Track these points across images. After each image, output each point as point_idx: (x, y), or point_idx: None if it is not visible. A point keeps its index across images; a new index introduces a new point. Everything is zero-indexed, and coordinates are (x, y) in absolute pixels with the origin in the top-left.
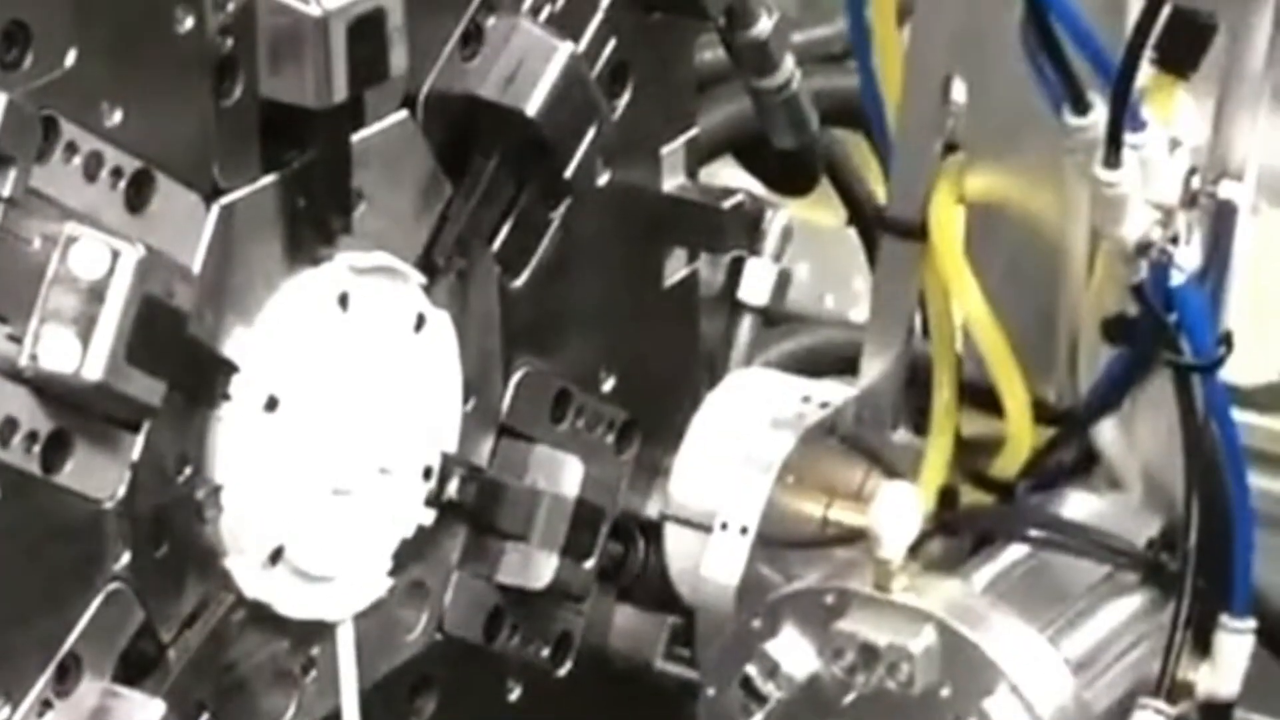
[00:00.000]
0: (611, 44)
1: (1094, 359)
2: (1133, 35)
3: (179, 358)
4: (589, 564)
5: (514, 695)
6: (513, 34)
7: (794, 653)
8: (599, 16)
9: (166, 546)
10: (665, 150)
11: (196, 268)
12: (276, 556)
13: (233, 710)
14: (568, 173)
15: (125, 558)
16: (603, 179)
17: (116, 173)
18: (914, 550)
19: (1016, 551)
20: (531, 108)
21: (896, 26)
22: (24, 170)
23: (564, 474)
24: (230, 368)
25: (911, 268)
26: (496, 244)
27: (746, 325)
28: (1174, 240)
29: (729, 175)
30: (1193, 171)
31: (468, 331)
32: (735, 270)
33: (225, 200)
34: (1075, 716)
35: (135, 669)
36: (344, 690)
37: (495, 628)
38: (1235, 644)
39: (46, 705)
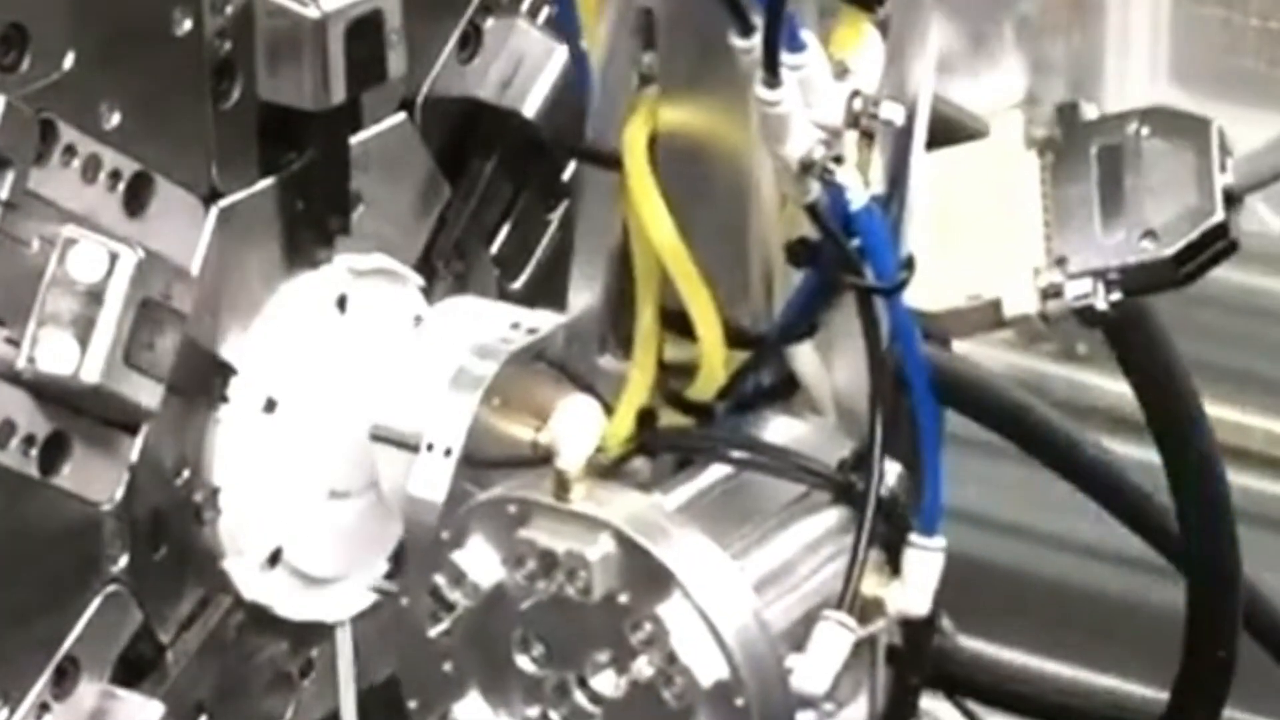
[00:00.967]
0: None
1: (787, 283)
2: None
3: (177, 360)
4: None
5: None
6: (510, 35)
7: (480, 562)
8: None
9: (165, 548)
10: None
11: (195, 270)
12: (275, 558)
13: (231, 712)
14: (565, 175)
15: (123, 560)
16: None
17: (115, 175)
18: (617, 471)
19: (716, 472)
20: (529, 109)
21: None
22: (22, 173)
23: None
24: (228, 370)
25: (611, 197)
26: (495, 246)
27: None
28: (837, 159)
29: None
30: (855, 94)
31: None
32: None
33: (224, 203)
34: (754, 625)
35: (134, 671)
36: (343, 691)
37: None
38: (923, 560)
39: (45, 707)
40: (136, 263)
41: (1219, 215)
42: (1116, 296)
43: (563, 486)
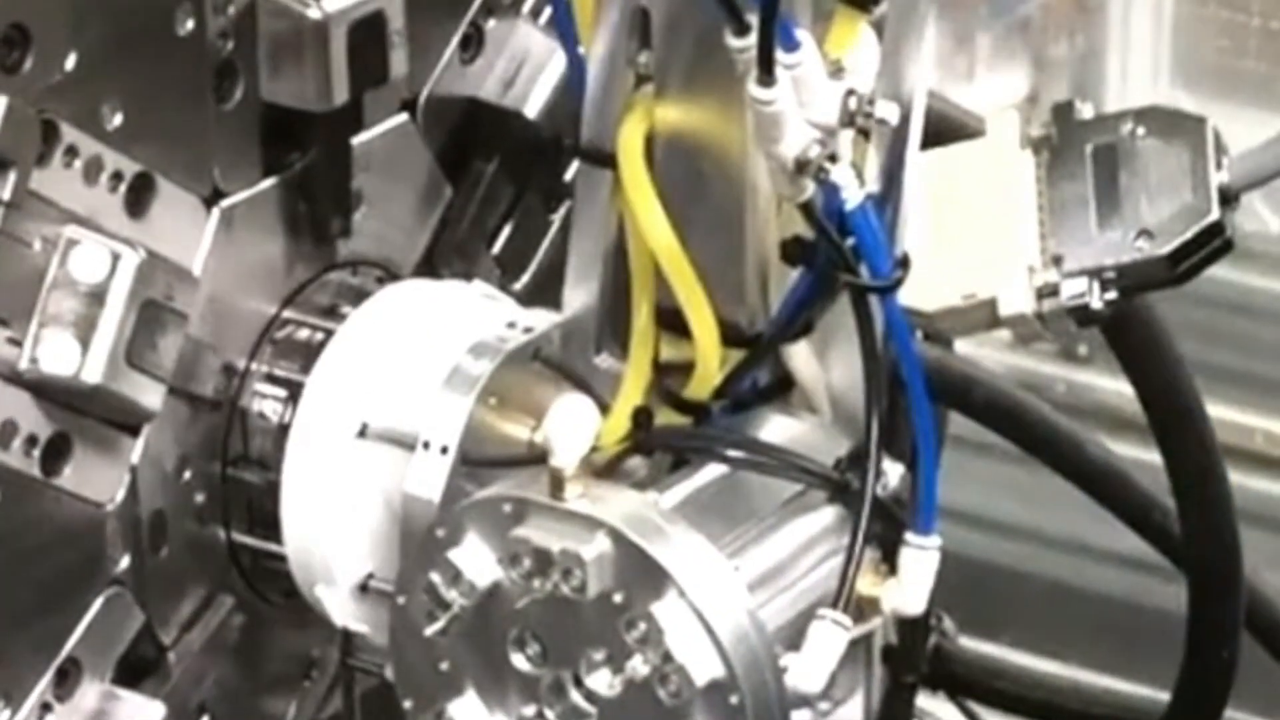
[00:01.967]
0: None
1: (783, 283)
2: None
3: (179, 360)
4: None
5: None
6: (513, 36)
7: (476, 560)
8: None
9: (166, 550)
10: None
11: (197, 271)
12: (365, 585)
13: (233, 713)
14: (567, 176)
15: (125, 561)
16: None
17: (117, 176)
18: (613, 470)
19: (711, 471)
20: (531, 110)
21: None
22: (24, 174)
23: None
24: (232, 369)
25: (608, 195)
26: (496, 247)
27: None
28: (832, 158)
29: None
30: (850, 92)
31: None
32: None
33: (226, 203)
34: (749, 624)
35: (135, 672)
36: None
37: None
38: (919, 559)
39: (46, 708)
40: (138, 263)
41: (1214, 214)
42: (1112, 295)
43: (558, 485)
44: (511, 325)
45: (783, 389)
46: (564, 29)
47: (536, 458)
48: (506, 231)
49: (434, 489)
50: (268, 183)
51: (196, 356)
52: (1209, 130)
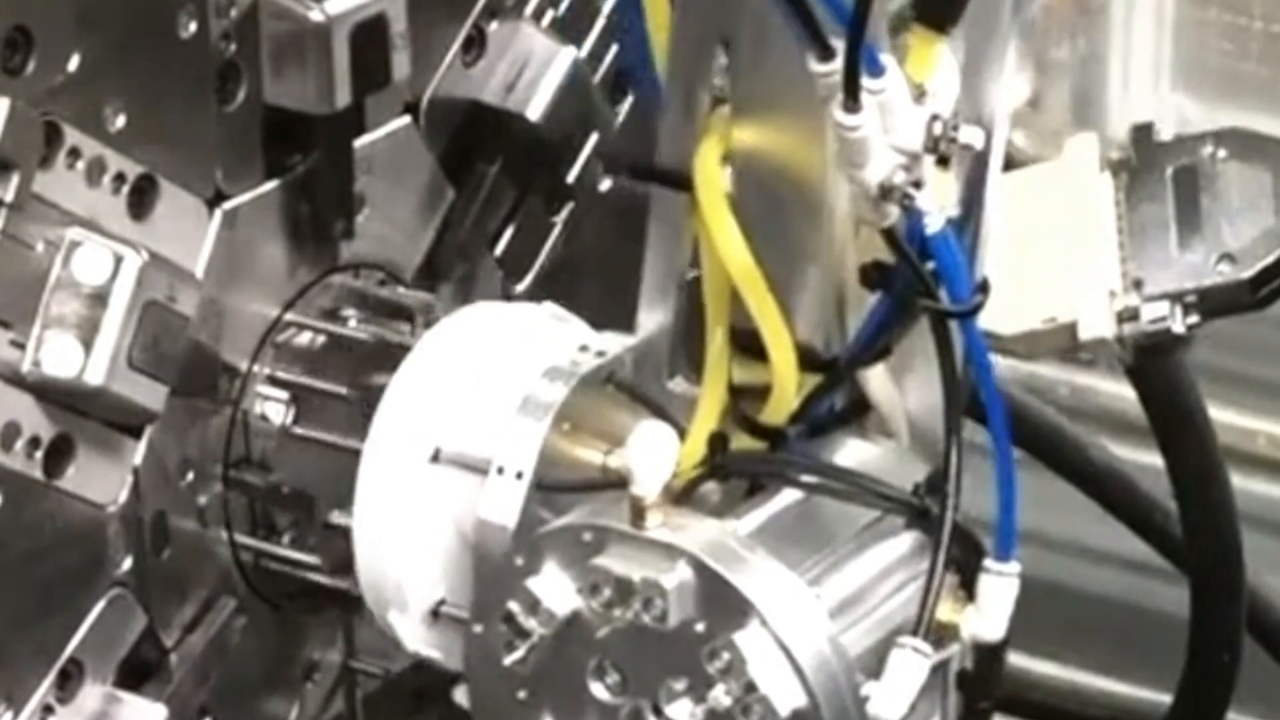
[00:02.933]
0: (614, 49)
1: (860, 306)
2: None
3: (182, 362)
4: None
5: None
6: (515, 39)
7: (555, 589)
8: (601, 22)
9: (168, 552)
10: None
11: (200, 273)
12: (437, 612)
13: (235, 715)
14: (570, 178)
15: (127, 563)
16: (605, 185)
17: (119, 178)
18: (687, 496)
19: (788, 497)
20: (534, 112)
21: None
22: (27, 176)
23: None
24: (234, 371)
25: (682, 218)
26: (499, 248)
27: None
28: (917, 184)
29: None
30: (935, 117)
31: None
32: None
33: (228, 205)
34: (831, 653)
35: (137, 674)
36: None
37: None
38: (998, 586)
39: (48, 710)
40: (141, 265)
41: None
42: (1194, 320)
43: (639, 514)
44: (584, 349)
45: (858, 413)
46: (640, 51)
47: (610, 483)
48: (509, 233)
49: (508, 515)
50: (270, 185)
51: (199, 358)
52: None
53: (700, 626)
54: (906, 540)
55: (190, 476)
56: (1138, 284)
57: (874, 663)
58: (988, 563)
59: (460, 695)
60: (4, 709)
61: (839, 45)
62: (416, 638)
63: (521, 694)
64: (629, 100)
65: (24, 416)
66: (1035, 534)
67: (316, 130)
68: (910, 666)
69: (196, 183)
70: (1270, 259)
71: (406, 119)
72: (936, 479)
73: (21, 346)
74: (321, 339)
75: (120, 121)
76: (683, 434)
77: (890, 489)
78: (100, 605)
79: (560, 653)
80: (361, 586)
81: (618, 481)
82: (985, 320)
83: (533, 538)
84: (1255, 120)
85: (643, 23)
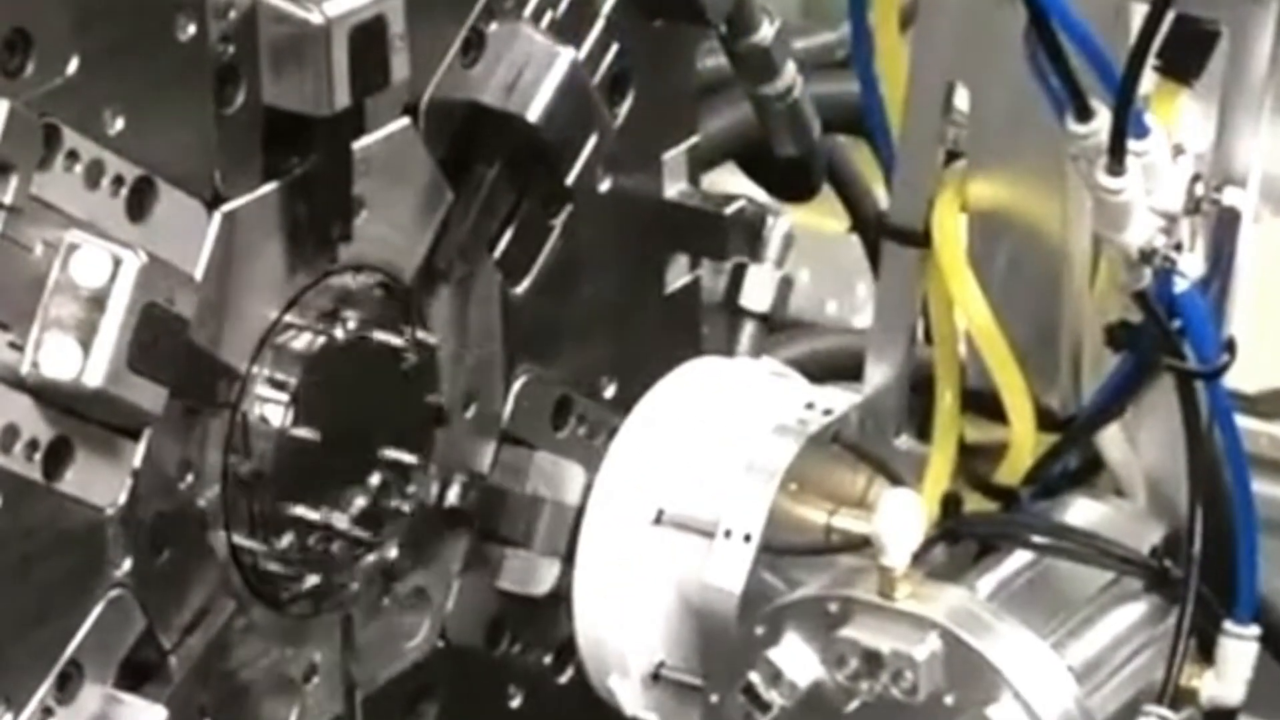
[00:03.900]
0: (613, 50)
1: (1097, 365)
2: (1136, 42)
3: (180, 364)
4: None
5: (515, 702)
6: (514, 41)
7: (797, 660)
8: (600, 24)
9: (168, 553)
10: (667, 156)
11: (198, 275)
12: (657, 675)
13: (234, 717)
14: (569, 180)
15: (127, 564)
16: (604, 185)
17: (118, 181)
18: (918, 557)
19: (1020, 558)
20: (533, 114)
21: (899, 32)
22: (25, 178)
23: (566, 481)
24: (233, 373)
25: (914, 274)
26: (498, 250)
27: (749, 332)
28: (1177, 247)
29: (733, 183)
30: (1196, 178)
31: (469, 339)
32: (737, 277)
33: (227, 208)
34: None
35: (137, 675)
36: None
37: (497, 635)
38: (1239, 650)
39: (48, 712)
40: (139, 268)
41: None
42: None
43: (889, 584)
44: (810, 406)
45: (1090, 472)
46: (871, 106)
47: (836, 546)
48: (508, 235)
49: (736, 579)
50: (269, 187)
51: (197, 360)
52: None
53: (950, 699)
54: (1142, 604)
55: (190, 478)
56: None
57: None
58: (1228, 626)
59: None
60: (4, 710)
61: (1097, 105)
62: (636, 701)
63: None
64: (628, 101)
65: (23, 419)
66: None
67: (315, 132)
68: None
69: (195, 185)
70: None
71: (405, 121)
72: (1174, 540)
73: (20, 348)
74: (321, 341)
75: (119, 124)
76: None
77: (1129, 551)
78: (100, 607)
79: None
80: (580, 650)
81: (844, 545)
82: (1229, 379)
83: (774, 608)
84: None
85: (873, 71)
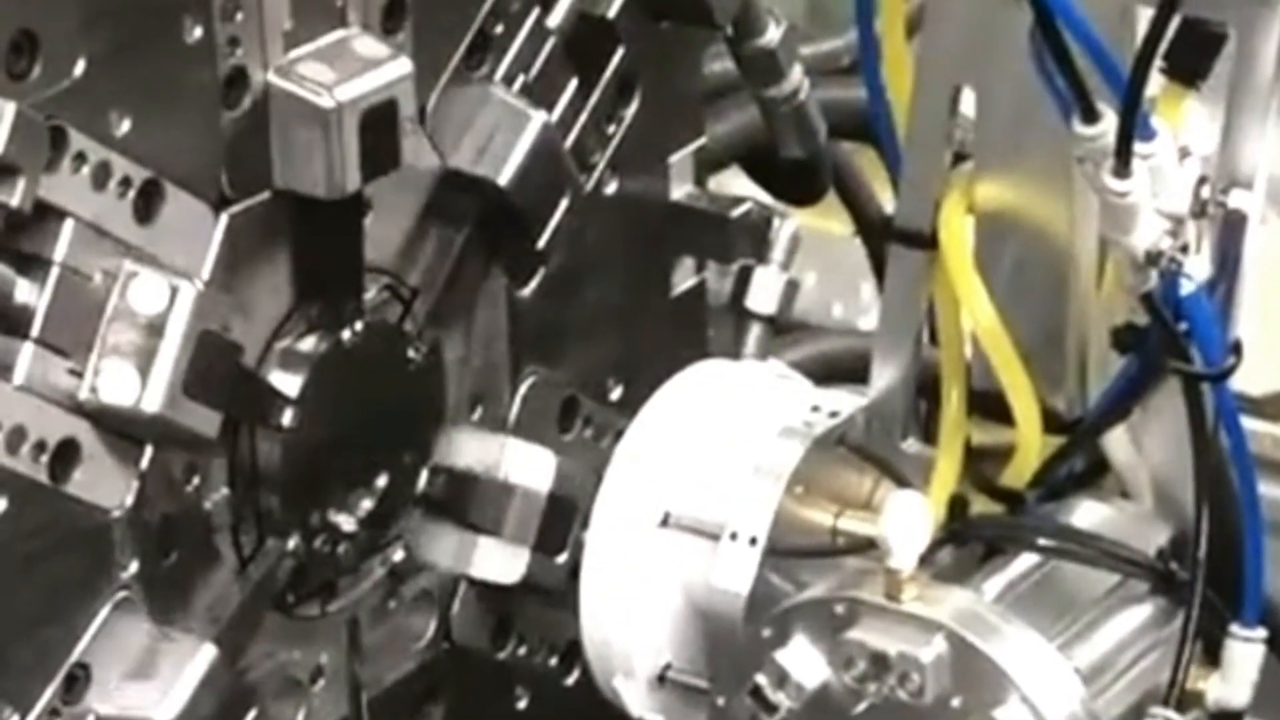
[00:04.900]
0: (620, 54)
1: (1103, 368)
2: (1142, 44)
3: (234, 389)
4: (561, 559)
5: (522, 703)
6: (485, 104)
7: (804, 662)
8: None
9: (175, 555)
10: (673, 159)
11: (205, 277)
12: (663, 677)
13: (241, 719)
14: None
15: (133, 567)
16: (611, 188)
17: (125, 182)
18: (924, 559)
19: (1026, 561)
20: (504, 178)
21: (905, 38)
22: (32, 180)
23: (536, 468)
24: (283, 398)
25: (920, 277)
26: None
27: (755, 334)
28: (1184, 249)
29: (738, 185)
30: (1202, 181)
31: (475, 340)
32: (743, 279)
33: (233, 210)
34: None
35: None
36: None
37: (503, 636)
38: (1245, 653)
39: (54, 714)
40: (196, 295)
41: None
42: None
43: (895, 586)
44: (816, 409)
45: (1096, 474)
46: (878, 110)
47: (843, 549)
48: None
49: (743, 582)
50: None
51: (249, 384)
52: None
53: (957, 701)
54: (1148, 606)
55: (196, 480)
56: None
57: None
58: (1234, 628)
59: None
60: (10, 712)
61: (1103, 108)
62: (642, 703)
63: None
64: (635, 104)
65: (30, 420)
66: None
67: (325, 212)
68: None
69: (202, 187)
70: None
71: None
72: (1180, 543)
73: (79, 375)
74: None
75: (126, 126)
76: None
77: (1136, 554)
78: (106, 609)
79: None
80: (587, 652)
81: (850, 547)
82: (1235, 381)
83: (781, 610)
84: None
85: (880, 76)
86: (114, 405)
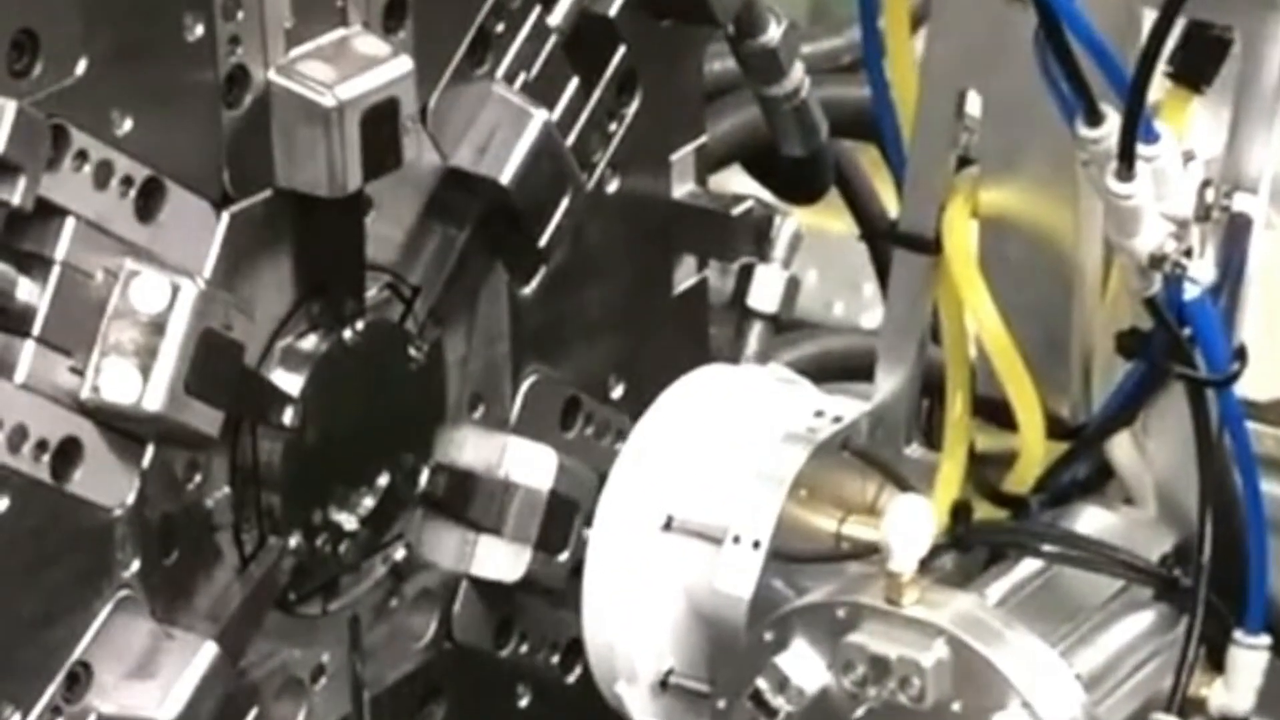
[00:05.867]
0: (621, 52)
1: (1108, 373)
2: (1146, 46)
3: (235, 388)
4: (563, 558)
5: (524, 702)
6: (486, 102)
7: (804, 666)
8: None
9: (176, 554)
10: (675, 157)
11: (206, 275)
12: (665, 682)
13: (242, 717)
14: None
15: (135, 565)
16: (612, 186)
17: (127, 181)
18: (927, 564)
19: (1030, 566)
20: (505, 176)
21: (909, 37)
22: (34, 178)
23: (538, 467)
24: (284, 396)
25: (924, 281)
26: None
27: (756, 332)
28: (1188, 253)
29: (739, 183)
30: (1207, 184)
31: (477, 339)
32: (745, 277)
33: (235, 208)
34: None
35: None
36: None
37: (505, 635)
38: (1248, 660)
39: (56, 712)
40: (198, 294)
41: None
42: None
43: (896, 590)
44: (819, 414)
45: (1100, 480)
46: (882, 111)
47: (846, 554)
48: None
49: (745, 586)
50: None
51: (251, 383)
52: None
53: (957, 706)
54: (1152, 612)
55: (197, 479)
56: None
57: None
58: (1237, 635)
59: None
60: (11, 711)
61: (1108, 110)
62: (644, 708)
63: None
64: (636, 102)
65: (31, 419)
66: None
67: (327, 211)
68: None
69: (203, 185)
70: None
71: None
72: (1184, 549)
73: (81, 373)
74: (328, 342)
75: (127, 124)
76: None
77: (1139, 560)
78: (108, 608)
79: None
80: (589, 656)
81: (854, 552)
82: (1239, 387)
83: (782, 614)
84: None
85: (884, 74)
86: (115, 404)
